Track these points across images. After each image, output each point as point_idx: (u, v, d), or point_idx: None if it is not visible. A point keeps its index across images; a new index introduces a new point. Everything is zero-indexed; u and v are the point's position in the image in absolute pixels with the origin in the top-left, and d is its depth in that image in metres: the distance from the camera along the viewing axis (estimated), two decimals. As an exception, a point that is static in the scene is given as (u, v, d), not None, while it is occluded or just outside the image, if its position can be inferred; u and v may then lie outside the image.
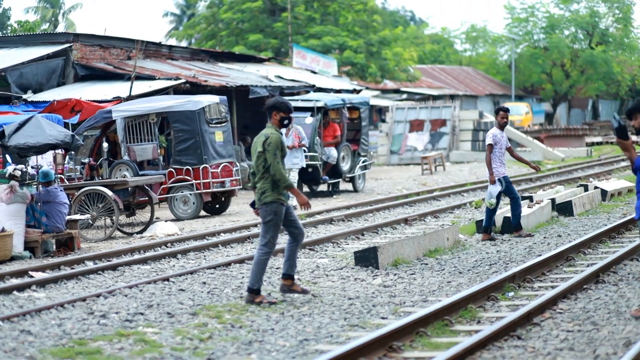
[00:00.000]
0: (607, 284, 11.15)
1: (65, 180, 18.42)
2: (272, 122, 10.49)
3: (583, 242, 13.89)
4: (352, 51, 35.77)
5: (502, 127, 15.26)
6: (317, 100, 23.27)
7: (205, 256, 14.38)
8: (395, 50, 38.98)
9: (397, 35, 39.05)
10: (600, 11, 70.64)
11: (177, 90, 24.29)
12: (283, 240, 13.33)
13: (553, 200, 19.09)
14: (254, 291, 10.39)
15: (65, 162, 19.11)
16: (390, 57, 38.47)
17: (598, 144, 47.27)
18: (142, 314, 9.92)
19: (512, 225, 15.57)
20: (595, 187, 21.25)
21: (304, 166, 21.20)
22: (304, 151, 21.25)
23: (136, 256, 14.24)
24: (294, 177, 20.27)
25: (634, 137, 42.47)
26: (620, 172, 29.97)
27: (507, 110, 15.31)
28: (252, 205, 10.66)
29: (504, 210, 16.82)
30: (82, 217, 16.37)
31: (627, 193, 22.06)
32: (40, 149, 15.50)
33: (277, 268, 12.44)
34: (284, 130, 13.25)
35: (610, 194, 21.37)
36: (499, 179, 15.19)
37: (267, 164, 10.23)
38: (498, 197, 15.24)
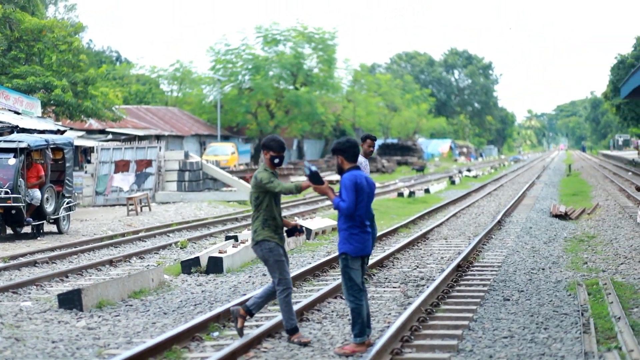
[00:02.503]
0: (311, 322, 11.63)
1: None
2: (264, 163, 10.29)
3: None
4: (60, 90, 35.09)
5: (367, 154, 15.13)
6: (20, 141, 22.65)
7: None
8: (101, 90, 38.65)
9: (102, 74, 38.67)
10: (304, 52, 73.24)
11: None
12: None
13: (257, 239, 19.61)
14: (289, 331, 10.25)
15: None
16: (99, 96, 38.12)
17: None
18: None
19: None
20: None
21: None
22: (7, 193, 20.61)
23: None
24: None
25: (333, 177, 44.44)
26: (325, 211, 31.30)
27: (374, 139, 15.27)
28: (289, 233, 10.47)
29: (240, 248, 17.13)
30: None
31: (331, 231, 23.11)
32: None
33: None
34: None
35: (314, 232, 22.26)
36: None
37: (257, 202, 10.13)
38: None
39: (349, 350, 9.87)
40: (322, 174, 55.00)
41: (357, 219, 9.85)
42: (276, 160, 10.19)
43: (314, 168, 9.88)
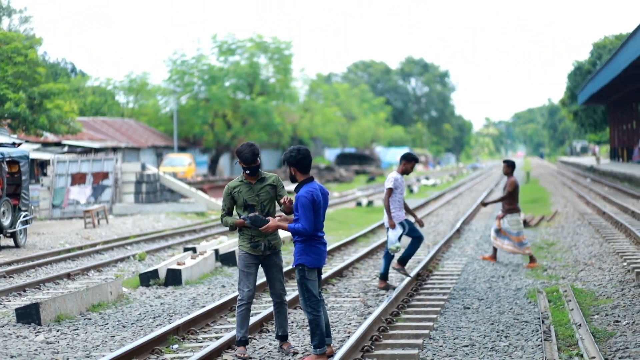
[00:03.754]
0: (271, 333, 11.58)
1: None
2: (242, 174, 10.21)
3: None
4: (12, 104, 34.70)
5: (404, 172, 15.14)
6: (-27, 154, 22.38)
7: None
8: (57, 102, 38.27)
9: (61, 89, 38.26)
10: (260, 62, 73.16)
11: None
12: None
13: (217, 250, 19.57)
14: (237, 342, 10.20)
15: None
16: (53, 109, 37.74)
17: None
18: None
19: (403, 260, 15.23)
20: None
21: None
22: None
23: None
24: None
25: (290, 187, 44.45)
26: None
27: (417, 161, 15.43)
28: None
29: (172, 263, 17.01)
30: None
31: (290, 242, 23.05)
32: None
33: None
34: None
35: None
36: (400, 223, 15.13)
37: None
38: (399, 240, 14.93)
39: (310, 362, 9.84)
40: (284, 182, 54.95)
41: (314, 232, 9.81)
42: (247, 172, 10.08)
43: (249, 217, 9.93)
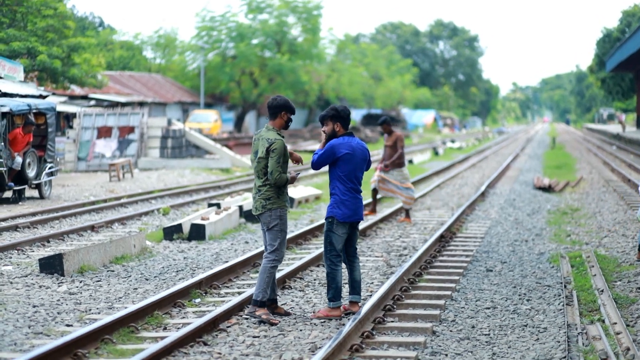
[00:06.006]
0: (293, 290, 11.63)
1: None
2: (273, 124, 9.79)
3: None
4: (46, 57, 34.69)
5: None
6: (2, 106, 22.41)
7: None
8: (84, 57, 38.26)
9: (89, 43, 38.24)
10: (289, 21, 72.83)
11: None
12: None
13: (241, 207, 19.61)
14: (257, 302, 9.71)
15: None
16: (82, 63, 37.75)
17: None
18: None
19: None
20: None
21: None
22: None
23: None
24: None
25: (315, 147, 44.34)
26: (307, 180, 31.24)
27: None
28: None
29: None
30: None
31: (314, 200, 23.09)
32: None
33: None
34: None
35: (297, 200, 22.23)
36: None
37: (270, 169, 9.64)
38: None
39: (322, 314, 9.92)
40: (305, 143, 54.95)
41: (349, 184, 9.85)
42: (290, 123, 9.90)
43: (298, 171, 10.23)
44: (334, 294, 9.89)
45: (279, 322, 9.75)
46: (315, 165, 9.95)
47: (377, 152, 52.77)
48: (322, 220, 17.99)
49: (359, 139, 10.04)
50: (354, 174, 9.89)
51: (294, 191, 23.08)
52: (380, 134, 78.50)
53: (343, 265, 10.21)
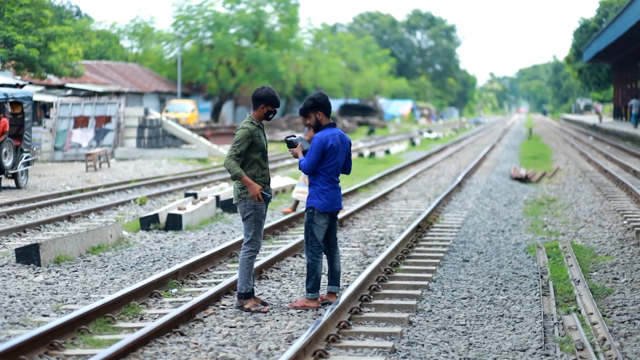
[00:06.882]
0: (270, 280, 11.62)
1: None
2: (253, 114, 9.82)
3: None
4: (23, 46, 34.48)
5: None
6: (-24, 94, 22.29)
7: None
8: (62, 46, 38.05)
9: (66, 32, 38.05)
10: (266, 11, 72.66)
11: None
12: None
13: (217, 197, 19.58)
14: (242, 295, 9.74)
15: None
16: (59, 52, 37.57)
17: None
18: None
19: None
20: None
21: None
22: None
23: None
24: None
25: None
26: (284, 170, 31.25)
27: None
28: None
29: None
30: None
31: (290, 190, 23.06)
32: None
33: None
34: None
35: (274, 191, 22.19)
36: None
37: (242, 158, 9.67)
38: None
39: (299, 305, 9.93)
40: (282, 134, 54.95)
41: (330, 175, 9.86)
42: (271, 116, 9.87)
43: (299, 138, 10.10)
44: (313, 285, 9.90)
45: (269, 308, 9.84)
46: (308, 169, 9.86)
47: (354, 142, 52.76)
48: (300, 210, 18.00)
49: (341, 131, 10.04)
50: (337, 166, 9.91)
51: (271, 182, 23.00)
52: (358, 124, 78.54)
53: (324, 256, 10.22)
